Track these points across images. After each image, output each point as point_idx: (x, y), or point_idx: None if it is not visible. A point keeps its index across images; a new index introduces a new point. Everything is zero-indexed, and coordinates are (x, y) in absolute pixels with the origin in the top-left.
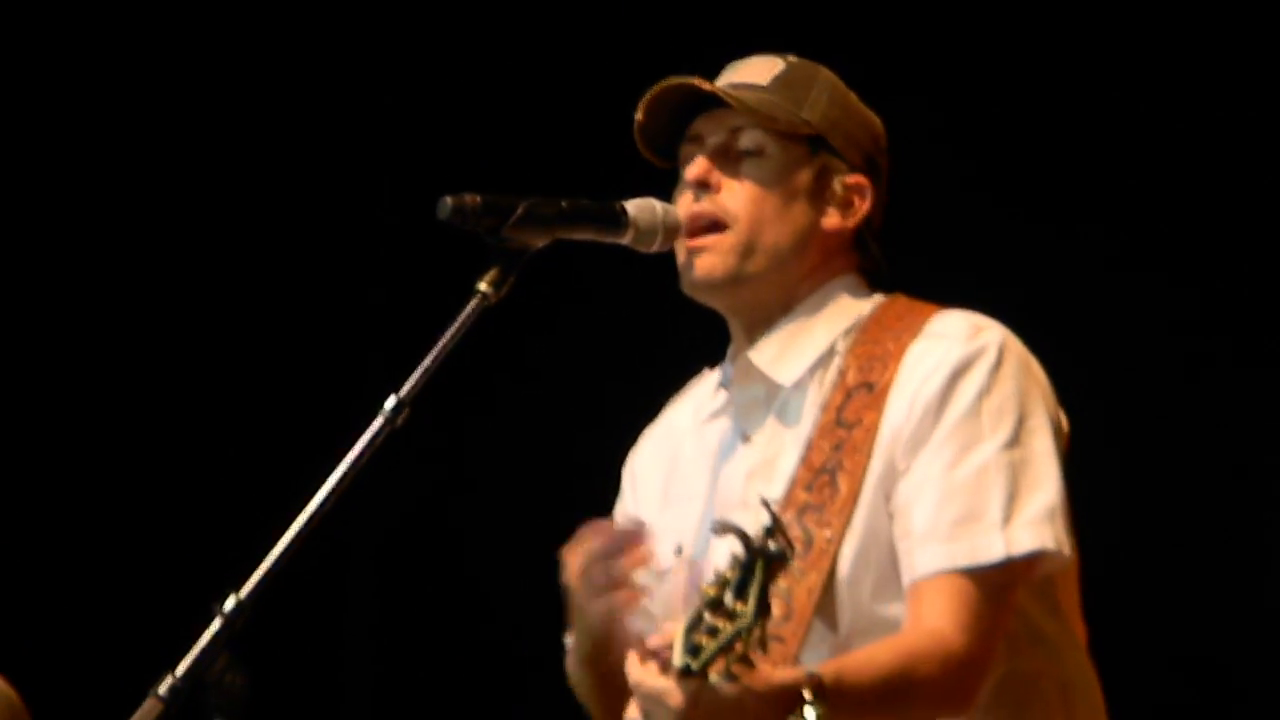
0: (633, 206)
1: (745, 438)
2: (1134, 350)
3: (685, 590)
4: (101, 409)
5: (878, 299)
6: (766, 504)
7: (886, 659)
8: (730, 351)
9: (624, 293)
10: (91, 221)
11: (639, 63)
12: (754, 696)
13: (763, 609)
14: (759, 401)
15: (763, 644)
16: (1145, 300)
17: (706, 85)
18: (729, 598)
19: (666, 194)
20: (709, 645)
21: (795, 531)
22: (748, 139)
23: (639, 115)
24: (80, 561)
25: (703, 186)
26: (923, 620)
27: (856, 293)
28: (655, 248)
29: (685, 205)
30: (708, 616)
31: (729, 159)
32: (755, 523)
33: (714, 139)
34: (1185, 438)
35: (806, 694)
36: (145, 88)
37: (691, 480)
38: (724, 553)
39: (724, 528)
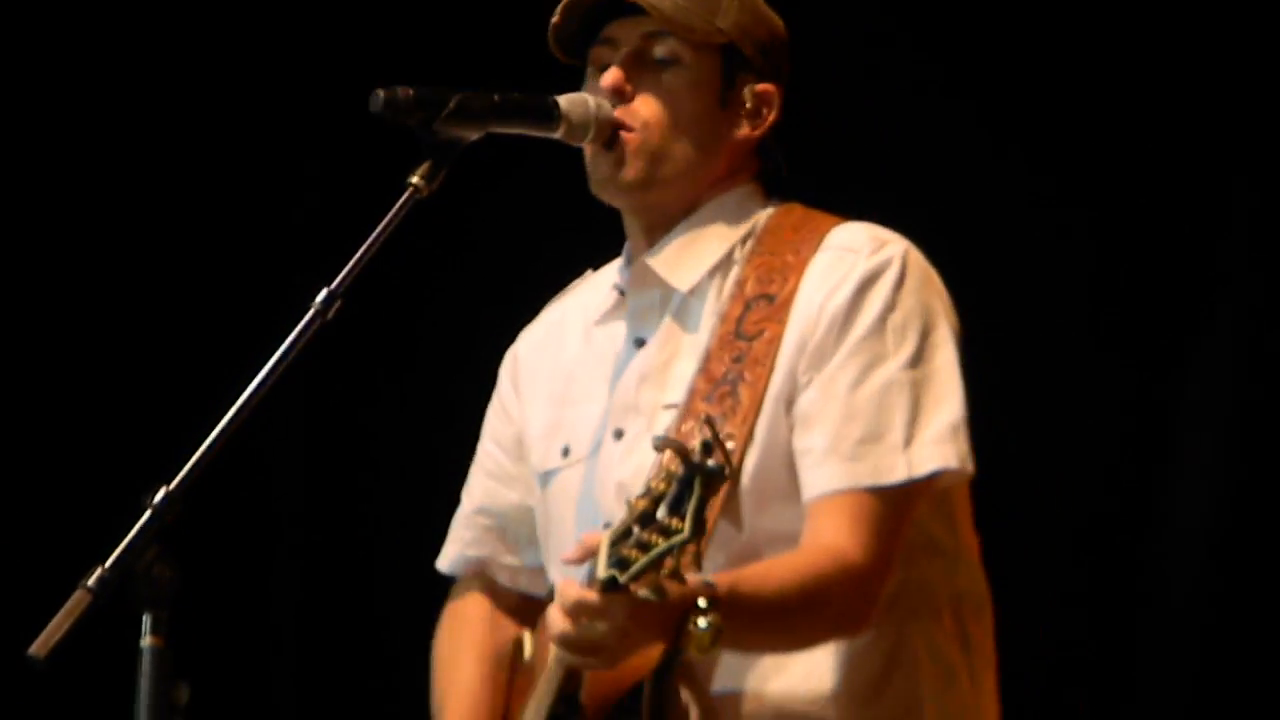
0: (565, 101)
1: (639, 342)
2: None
3: (577, 492)
4: (32, 302)
5: (773, 207)
6: (710, 421)
7: (784, 573)
8: (626, 253)
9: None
10: (22, 132)
11: None
12: (649, 605)
13: (699, 526)
14: (654, 306)
15: (698, 561)
16: (1042, 219)
17: None
18: (662, 512)
19: (573, 89)
20: (638, 559)
21: (694, 442)
22: (662, 47)
23: (555, 18)
24: (9, 454)
25: (618, 94)
26: (821, 536)
27: (754, 200)
28: (587, 141)
29: None
30: (636, 530)
31: (643, 65)
32: (646, 426)
33: (628, 45)
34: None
35: (701, 602)
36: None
37: (581, 381)
38: (618, 456)
39: (665, 443)
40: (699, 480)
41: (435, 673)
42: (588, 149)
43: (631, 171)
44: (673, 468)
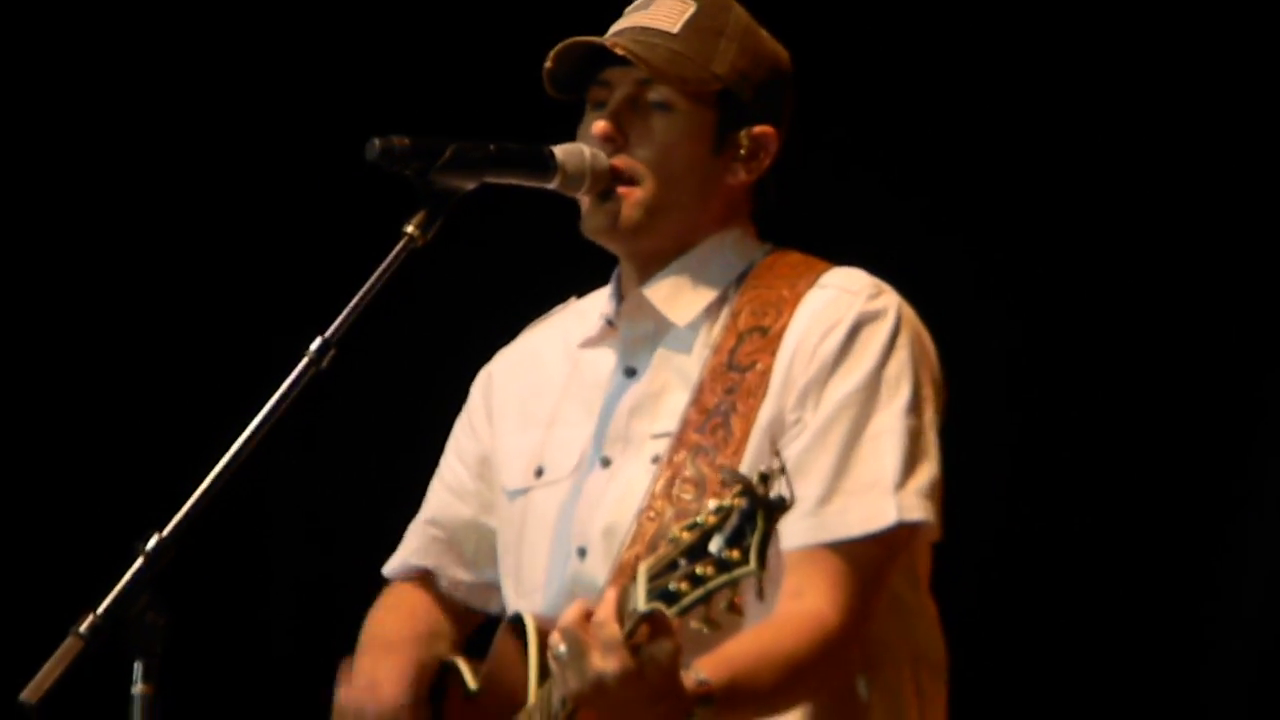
0: (561, 151)
1: (630, 372)
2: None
3: (553, 515)
4: (26, 348)
5: (770, 249)
6: (777, 453)
7: (775, 659)
8: (615, 284)
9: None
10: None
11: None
12: (664, 677)
13: (764, 558)
14: (647, 337)
15: (760, 593)
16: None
17: (619, 49)
18: (717, 545)
19: (573, 125)
20: (689, 592)
21: (688, 472)
22: (657, 93)
23: (548, 63)
24: (2, 500)
25: (609, 142)
26: (803, 600)
27: (748, 241)
28: (582, 192)
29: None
30: (684, 563)
31: (637, 110)
32: (635, 455)
33: (622, 89)
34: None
35: (697, 713)
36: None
37: (562, 404)
38: (603, 484)
39: (732, 477)
40: (762, 513)
41: (362, 650)
42: (583, 199)
43: (627, 222)
44: (730, 501)
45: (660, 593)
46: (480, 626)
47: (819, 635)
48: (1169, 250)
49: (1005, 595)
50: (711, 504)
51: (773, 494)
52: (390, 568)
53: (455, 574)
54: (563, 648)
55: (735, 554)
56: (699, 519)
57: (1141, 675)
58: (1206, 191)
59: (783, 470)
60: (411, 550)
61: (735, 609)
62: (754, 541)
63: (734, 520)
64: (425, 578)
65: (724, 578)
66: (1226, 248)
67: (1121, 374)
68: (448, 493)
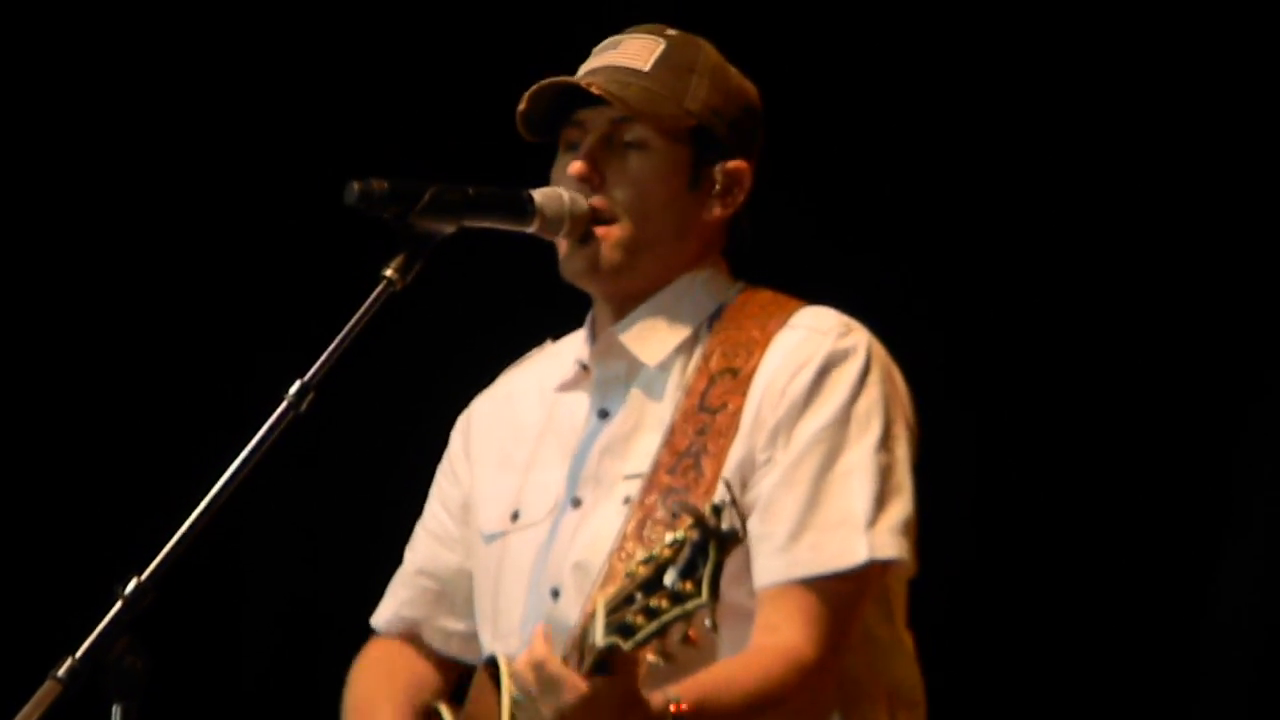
0: (540, 195)
1: (603, 414)
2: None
3: (529, 558)
4: (3, 395)
5: (742, 287)
6: (728, 484)
7: (746, 683)
8: (589, 326)
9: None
10: None
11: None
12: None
13: (716, 590)
14: (619, 378)
15: (714, 625)
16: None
17: (594, 89)
18: (671, 578)
19: (546, 165)
20: (645, 625)
21: (660, 514)
22: (631, 133)
23: (522, 105)
24: None
25: (585, 183)
26: (776, 634)
27: (721, 279)
28: (561, 235)
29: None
30: (640, 596)
31: (612, 150)
32: (606, 495)
33: (597, 129)
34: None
35: None
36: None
37: (538, 448)
38: (574, 525)
39: (684, 509)
40: (714, 545)
41: (347, 716)
42: (561, 243)
43: (607, 264)
44: (683, 534)
45: (618, 626)
46: (465, 673)
47: (792, 667)
48: (1160, 248)
49: (988, 620)
50: (667, 537)
51: (725, 526)
52: (381, 619)
53: (447, 624)
54: (517, 694)
55: (689, 586)
56: (654, 552)
57: (1131, 698)
58: (1192, 194)
59: (734, 502)
60: (403, 601)
61: (690, 641)
62: (706, 573)
63: (686, 553)
64: (406, 634)
65: (677, 610)
66: (1216, 245)
67: (1112, 379)
68: (434, 541)
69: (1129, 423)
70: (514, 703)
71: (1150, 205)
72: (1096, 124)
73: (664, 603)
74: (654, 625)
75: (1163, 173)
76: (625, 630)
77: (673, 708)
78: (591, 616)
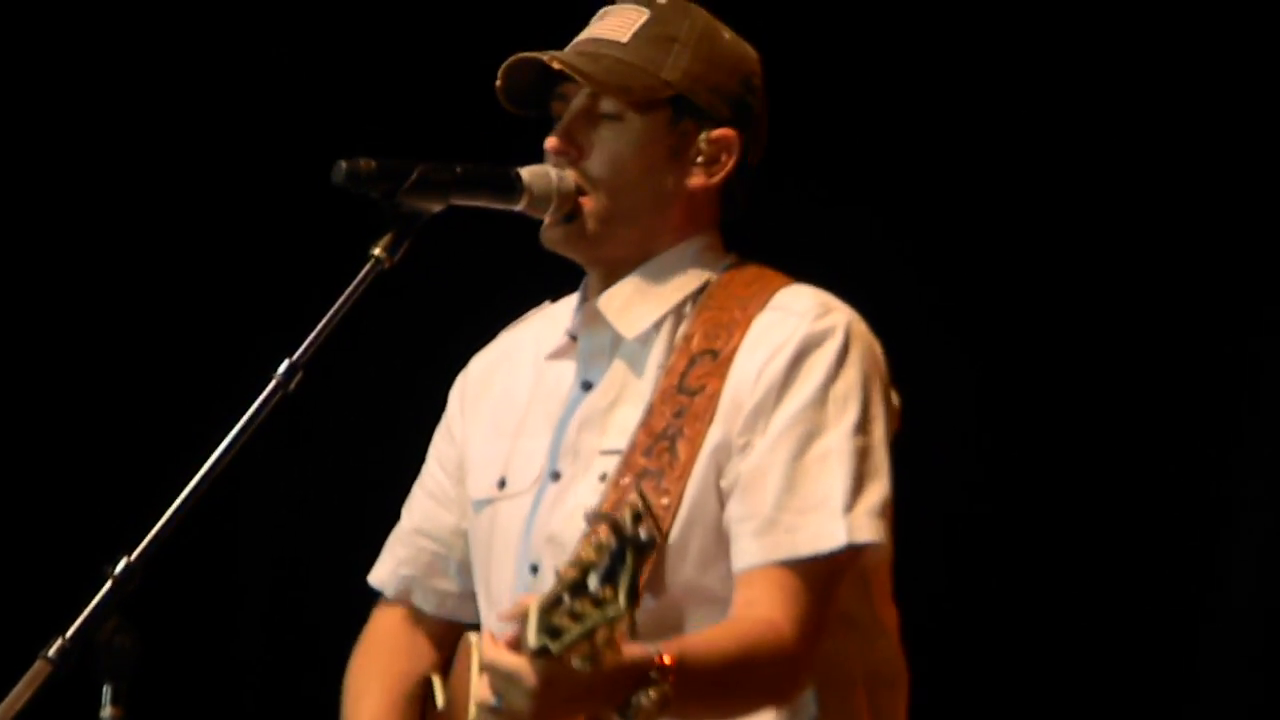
0: (528, 173)
1: (587, 385)
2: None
3: (515, 528)
4: None
5: (730, 262)
6: (643, 495)
7: (726, 644)
8: (582, 292)
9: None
10: None
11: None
12: (602, 677)
13: (634, 598)
14: (603, 350)
15: (633, 631)
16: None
17: (556, 63)
18: (594, 582)
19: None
20: (571, 628)
21: (632, 498)
22: (607, 104)
23: (498, 82)
24: None
25: (562, 156)
26: (755, 608)
27: (712, 252)
28: (549, 214)
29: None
30: (568, 599)
31: (590, 122)
32: (583, 470)
33: (577, 102)
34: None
35: (652, 674)
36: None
37: (525, 415)
38: (552, 499)
39: (596, 517)
40: (630, 552)
41: (344, 701)
42: (547, 218)
43: (584, 233)
44: (604, 538)
45: (548, 628)
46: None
47: (771, 633)
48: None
49: (989, 620)
50: (592, 539)
51: (643, 534)
52: (377, 577)
53: (442, 584)
54: (494, 700)
55: (609, 592)
56: (581, 554)
57: (1127, 688)
58: (1193, 187)
59: (648, 509)
60: (400, 560)
61: (614, 646)
62: (624, 580)
63: (606, 558)
64: (404, 595)
65: (598, 616)
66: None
67: (1113, 373)
68: (431, 500)
69: (1130, 416)
70: (492, 710)
71: (1151, 197)
72: (1097, 125)
73: (587, 607)
74: (578, 630)
75: (1162, 171)
76: (553, 632)
77: (657, 659)
78: (525, 618)
